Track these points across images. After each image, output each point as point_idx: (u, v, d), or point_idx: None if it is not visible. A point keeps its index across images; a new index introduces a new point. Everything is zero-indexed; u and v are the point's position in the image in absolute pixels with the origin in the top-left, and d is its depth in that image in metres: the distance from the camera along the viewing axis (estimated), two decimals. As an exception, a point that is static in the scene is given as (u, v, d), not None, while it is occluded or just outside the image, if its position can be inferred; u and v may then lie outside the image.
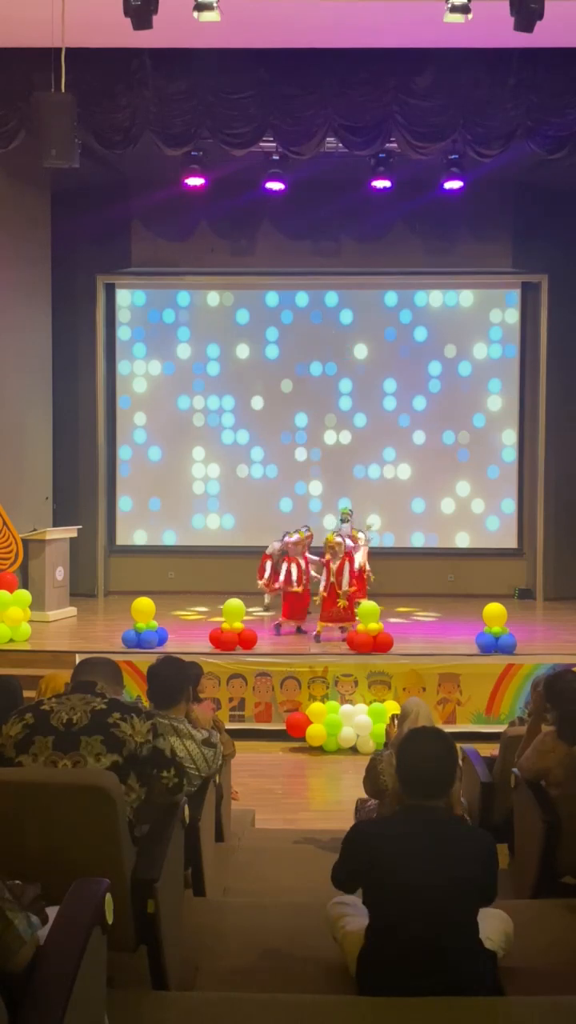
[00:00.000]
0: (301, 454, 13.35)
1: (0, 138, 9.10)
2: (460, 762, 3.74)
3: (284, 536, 10.68)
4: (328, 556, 9.97)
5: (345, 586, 9.84)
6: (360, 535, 10.70)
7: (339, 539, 10.11)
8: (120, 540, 13.49)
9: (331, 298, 13.30)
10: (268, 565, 10.90)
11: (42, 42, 7.79)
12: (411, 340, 13.24)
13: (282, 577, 10.30)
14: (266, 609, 11.19)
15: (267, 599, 11.25)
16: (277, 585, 10.50)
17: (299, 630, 10.26)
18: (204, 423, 13.41)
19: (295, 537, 10.44)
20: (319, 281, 13.17)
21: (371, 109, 9.10)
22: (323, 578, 9.97)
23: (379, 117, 9.14)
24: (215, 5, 7.45)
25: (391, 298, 13.27)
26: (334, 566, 9.90)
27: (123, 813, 3.17)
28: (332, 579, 9.87)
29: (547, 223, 12.43)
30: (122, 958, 3.11)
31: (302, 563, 10.30)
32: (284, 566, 10.31)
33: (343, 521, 11.07)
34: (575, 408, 12.86)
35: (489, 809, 4.92)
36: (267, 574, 10.84)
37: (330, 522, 12.16)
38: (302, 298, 13.29)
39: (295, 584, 10.21)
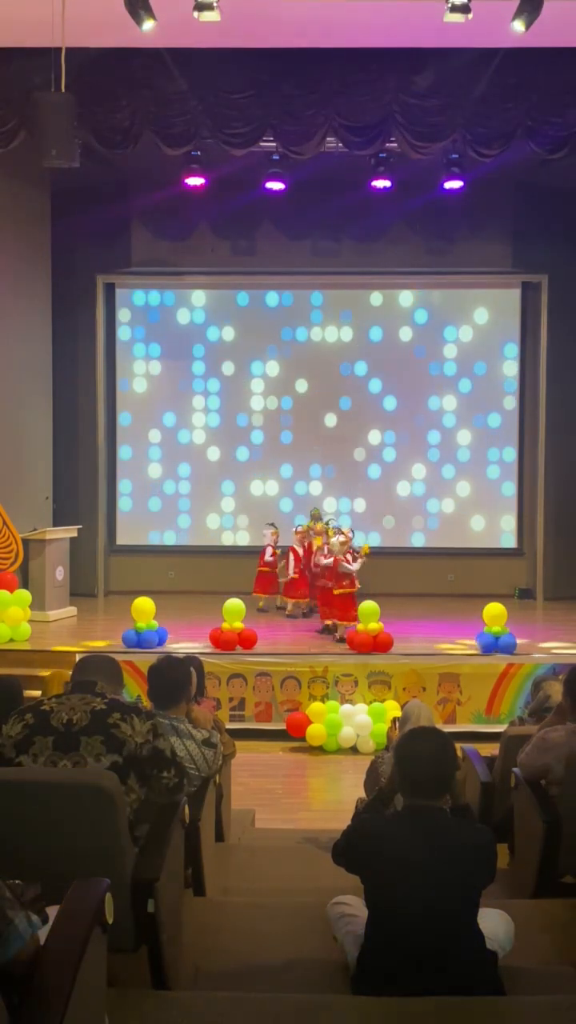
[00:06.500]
0: (302, 454, 13.34)
1: (0, 138, 9.10)
2: (460, 760, 3.73)
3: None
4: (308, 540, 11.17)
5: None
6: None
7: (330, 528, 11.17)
8: (120, 540, 13.49)
9: (331, 298, 13.29)
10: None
11: (42, 42, 7.80)
12: (411, 340, 13.24)
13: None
14: (261, 610, 11.24)
15: (261, 602, 11.38)
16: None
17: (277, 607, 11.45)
18: (204, 423, 13.41)
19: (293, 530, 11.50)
20: (319, 281, 13.17)
21: (371, 109, 9.10)
22: (292, 559, 11.12)
23: (379, 117, 9.14)
24: (215, 5, 7.45)
25: (391, 298, 13.26)
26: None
27: (123, 813, 3.17)
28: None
29: (547, 223, 12.42)
30: (122, 958, 3.11)
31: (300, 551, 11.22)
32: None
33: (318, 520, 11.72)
34: (575, 408, 12.86)
35: (489, 809, 4.92)
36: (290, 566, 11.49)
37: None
38: (302, 297, 13.29)
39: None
